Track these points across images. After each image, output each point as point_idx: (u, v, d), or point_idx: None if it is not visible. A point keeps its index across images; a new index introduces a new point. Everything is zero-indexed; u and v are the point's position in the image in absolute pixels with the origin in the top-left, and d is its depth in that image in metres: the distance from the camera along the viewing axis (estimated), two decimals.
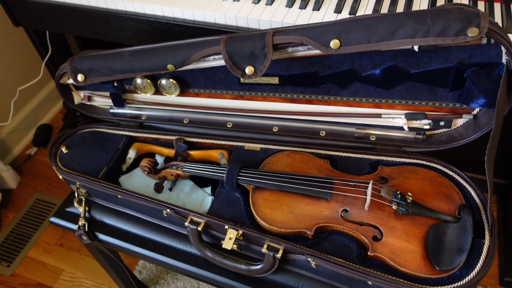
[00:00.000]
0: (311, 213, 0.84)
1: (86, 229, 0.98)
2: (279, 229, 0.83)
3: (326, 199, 0.85)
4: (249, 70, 0.82)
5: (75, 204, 1.00)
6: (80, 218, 0.99)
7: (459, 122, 0.91)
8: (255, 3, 1.05)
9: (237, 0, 1.06)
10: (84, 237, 0.99)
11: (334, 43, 0.75)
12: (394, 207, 0.81)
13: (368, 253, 0.79)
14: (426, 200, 0.84)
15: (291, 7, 1.03)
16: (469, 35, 0.68)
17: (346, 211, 0.83)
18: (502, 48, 0.75)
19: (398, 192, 0.83)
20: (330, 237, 0.82)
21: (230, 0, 1.07)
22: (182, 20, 1.08)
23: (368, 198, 0.82)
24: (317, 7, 1.02)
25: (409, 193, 0.83)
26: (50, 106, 2.14)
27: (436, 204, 0.83)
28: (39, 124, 2.06)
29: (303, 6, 1.03)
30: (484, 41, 0.75)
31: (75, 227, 1.00)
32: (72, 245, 1.65)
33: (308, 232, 0.82)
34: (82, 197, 1.01)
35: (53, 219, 1.04)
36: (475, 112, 0.89)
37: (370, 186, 0.83)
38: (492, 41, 0.74)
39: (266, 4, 1.04)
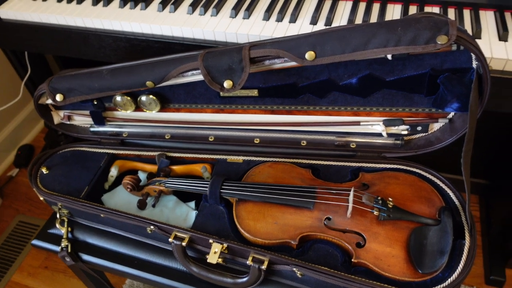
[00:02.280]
0: (295, 223, 0.85)
1: (69, 250, 0.97)
2: (264, 241, 0.84)
3: (309, 208, 0.85)
4: (227, 84, 0.83)
5: (57, 225, 0.99)
6: (63, 239, 0.98)
7: (436, 126, 0.93)
8: (233, 17, 1.06)
9: (215, 15, 1.08)
10: (68, 259, 0.97)
11: (309, 55, 0.77)
12: (375, 213, 0.82)
13: (353, 260, 0.79)
14: (407, 205, 0.85)
15: (268, 20, 1.05)
16: (439, 42, 0.70)
17: (329, 219, 0.84)
18: (472, 53, 0.78)
19: (379, 197, 0.84)
20: (314, 246, 0.83)
21: (208, 15, 1.08)
22: (161, 37, 1.08)
23: (350, 205, 0.83)
24: (293, 20, 1.04)
25: (390, 199, 0.84)
26: (31, 126, 2.11)
27: (417, 208, 0.85)
28: (21, 145, 2.03)
29: (280, 19, 1.04)
30: (454, 47, 0.77)
31: (58, 248, 0.98)
32: (57, 267, 1.62)
33: (292, 242, 0.82)
34: (65, 218, 0.99)
35: (35, 242, 1.02)
36: (450, 116, 0.91)
37: (351, 193, 0.84)
38: (462, 47, 0.77)
39: (243, 18, 1.06)
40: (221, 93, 0.96)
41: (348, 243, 0.81)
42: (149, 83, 0.87)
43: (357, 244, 0.81)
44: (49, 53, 1.32)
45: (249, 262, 0.80)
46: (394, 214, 0.82)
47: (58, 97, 0.95)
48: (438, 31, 0.71)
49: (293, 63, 0.83)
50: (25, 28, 1.19)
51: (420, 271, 0.75)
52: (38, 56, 1.61)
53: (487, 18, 0.98)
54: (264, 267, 0.79)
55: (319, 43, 0.76)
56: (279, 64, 0.83)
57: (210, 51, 0.83)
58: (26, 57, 1.55)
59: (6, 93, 1.86)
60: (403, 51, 0.72)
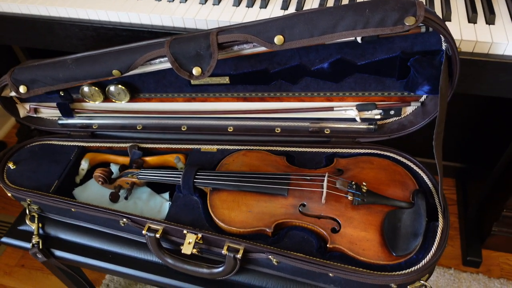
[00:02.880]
0: (270, 210, 0.84)
1: (41, 247, 0.94)
2: (239, 229, 0.83)
3: (283, 195, 0.85)
4: (196, 71, 0.81)
5: (27, 221, 0.96)
6: (34, 236, 0.95)
7: (408, 110, 0.93)
8: (202, 4, 1.04)
9: (184, 1, 1.05)
10: (39, 255, 0.95)
11: (278, 39, 0.75)
12: (350, 198, 0.82)
13: (328, 246, 0.79)
14: (381, 189, 0.85)
15: (238, 6, 1.02)
16: (407, 24, 0.70)
17: (304, 205, 0.84)
18: (440, 35, 0.77)
19: (353, 182, 0.84)
20: (289, 233, 0.82)
21: (177, 2, 1.05)
22: (129, 24, 1.05)
23: (324, 191, 0.82)
24: (264, 5, 1.02)
25: (364, 183, 0.84)
26: (3, 121, 2.05)
27: (391, 192, 0.85)
28: None
29: (250, 4, 1.02)
30: (423, 29, 0.77)
31: (29, 245, 0.95)
32: (34, 264, 1.58)
33: (267, 230, 0.82)
34: (35, 214, 0.96)
35: (5, 240, 0.99)
36: (422, 99, 0.91)
37: (325, 179, 0.83)
38: (431, 29, 0.76)
39: (213, 4, 1.03)
40: (191, 81, 0.93)
41: (323, 228, 0.81)
42: (115, 72, 0.84)
43: (332, 229, 0.81)
44: (14, 43, 1.27)
45: (224, 251, 0.79)
46: (368, 198, 0.82)
47: (22, 89, 0.91)
48: (406, 12, 0.70)
49: (262, 48, 0.81)
50: None
51: (394, 254, 0.76)
52: (5, 49, 1.55)
53: (457, 1, 0.98)
54: (239, 256, 0.78)
55: (287, 27, 0.74)
56: (248, 49, 0.81)
57: (177, 38, 0.81)
58: None
59: None
60: (372, 33, 0.71)
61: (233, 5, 1.02)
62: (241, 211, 0.84)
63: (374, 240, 0.79)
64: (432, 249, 0.76)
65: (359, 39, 0.77)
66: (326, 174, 0.84)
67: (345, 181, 0.84)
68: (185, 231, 0.83)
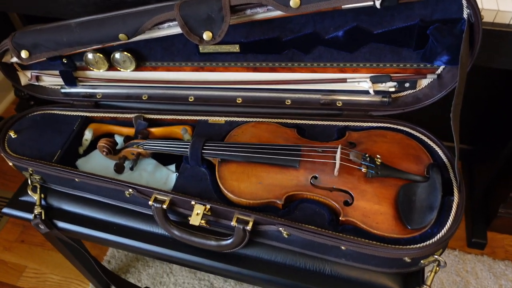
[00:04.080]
0: (280, 182, 0.81)
1: (43, 217, 0.92)
2: (248, 201, 0.80)
3: (295, 167, 0.82)
4: (207, 35, 0.77)
5: (29, 192, 0.93)
6: (36, 206, 0.93)
7: (424, 82, 0.90)
8: None
9: None
10: (42, 226, 0.92)
11: (294, 2, 0.72)
12: (363, 170, 0.80)
13: (340, 218, 0.77)
14: (395, 162, 0.83)
15: None
16: None
17: (315, 177, 0.81)
18: (463, 0, 0.74)
19: (367, 155, 0.81)
20: (300, 206, 0.80)
21: None
22: None
23: (337, 162, 0.80)
24: None
25: (378, 156, 0.81)
26: (1, 96, 2.01)
27: (405, 165, 0.82)
28: None
29: None
30: None
31: (31, 216, 0.93)
32: (34, 240, 1.56)
33: (278, 202, 0.80)
34: (37, 184, 0.94)
35: (5, 210, 0.97)
36: (439, 71, 0.88)
37: (338, 150, 0.81)
38: None
39: None
40: (200, 48, 0.90)
41: (336, 201, 0.79)
42: (122, 36, 0.81)
43: (345, 202, 0.78)
44: (12, 10, 1.23)
45: (233, 223, 0.77)
46: (382, 171, 0.79)
47: (23, 54, 0.88)
48: None
49: (276, 13, 0.78)
50: None
51: (409, 227, 0.74)
52: (3, 17, 1.50)
53: None
54: (249, 227, 0.76)
55: None
56: (261, 13, 0.78)
57: (187, 0, 0.77)
58: None
59: None
60: None
61: None
62: (251, 183, 0.82)
63: (388, 213, 0.77)
64: (448, 223, 0.75)
65: (378, 4, 0.74)
66: (339, 146, 0.82)
67: (359, 153, 0.81)
68: (193, 202, 0.80)
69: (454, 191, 0.78)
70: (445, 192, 0.78)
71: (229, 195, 0.81)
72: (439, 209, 0.75)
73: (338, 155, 0.80)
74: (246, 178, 0.83)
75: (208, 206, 0.79)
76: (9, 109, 2.01)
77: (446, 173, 0.82)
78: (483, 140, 1.55)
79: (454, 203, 0.76)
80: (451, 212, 0.75)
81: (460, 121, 0.77)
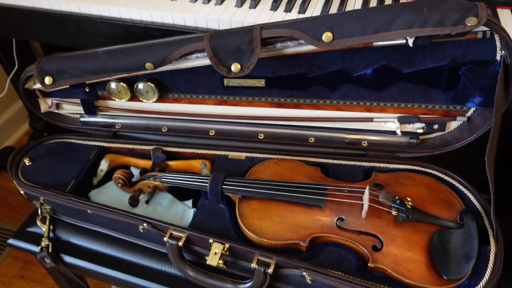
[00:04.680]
0: (305, 222, 0.77)
1: (50, 250, 0.87)
2: (270, 241, 0.75)
3: (320, 207, 0.78)
4: (235, 67, 0.76)
5: (38, 222, 0.89)
6: (44, 239, 0.88)
7: (453, 125, 0.87)
8: (238, 7, 1.01)
9: (219, 4, 1.02)
10: (47, 260, 0.87)
11: (326, 36, 0.71)
12: (394, 213, 0.75)
13: (369, 265, 0.72)
14: (425, 207, 0.78)
15: (276, 10, 0.99)
16: (468, 24, 0.65)
17: (342, 219, 0.77)
18: (497, 42, 0.73)
19: (397, 197, 0.77)
20: (325, 249, 0.75)
21: (212, 4, 1.02)
22: (161, 24, 1.02)
23: (366, 203, 0.75)
24: (302, 10, 0.98)
25: (408, 198, 0.77)
26: (16, 127, 2.01)
27: (436, 211, 0.78)
28: (3, 147, 1.92)
29: (288, 9, 0.99)
30: (480, 35, 0.72)
31: (37, 249, 0.88)
32: (34, 276, 1.49)
33: (301, 244, 0.74)
34: (47, 215, 0.90)
35: (12, 241, 0.92)
36: (469, 114, 0.85)
37: (367, 191, 0.77)
38: (488, 35, 0.72)
39: (250, 8, 1.00)
40: (225, 82, 0.89)
41: (363, 246, 0.73)
42: (148, 65, 0.80)
43: (373, 247, 0.73)
44: (39, 40, 1.25)
45: (253, 265, 0.72)
46: (413, 215, 0.75)
47: (47, 80, 0.87)
48: (467, 13, 0.66)
49: (306, 48, 0.77)
50: (14, 12, 1.12)
51: (445, 278, 0.68)
52: (26, 50, 1.53)
53: (504, 15, 0.94)
54: (270, 270, 0.71)
55: (337, 23, 0.70)
56: (291, 47, 0.77)
57: (217, 32, 0.77)
58: (14, 51, 1.47)
59: None
60: (430, 33, 0.67)
61: (270, 9, 0.99)
62: (274, 222, 0.77)
63: (420, 261, 0.71)
64: (486, 275, 0.69)
65: (410, 42, 0.73)
66: (368, 186, 0.78)
67: (389, 195, 0.77)
68: (211, 240, 0.75)
69: (491, 240, 0.73)
70: (479, 241, 0.73)
71: (250, 234, 0.77)
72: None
73: (366, 196, 0.76)
74: (268, 217, 0.78)
75: (227, 245, 0.74)
76: (22, 140, 2.01)
77: (480, 220, 0.77)
78: (506, 190, 1.50)
79: (491, 253, 0.71)
80: (488, 262, 0.70)
81: (480, 169, 0.74)
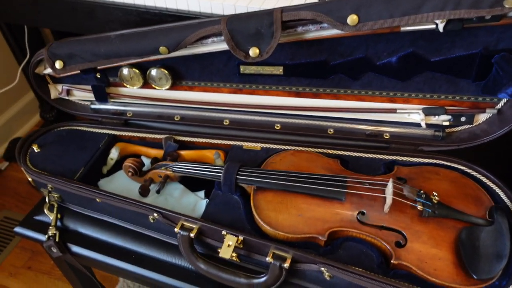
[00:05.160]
0: (323, 216, 0.73)
1: (57, 240, 0.84)
2: (286, 235, 0.71)
3: (340, 199, 0.74)
4: (253, 51, 0.73)
5: (46, 210, 0.87)
6: (51, 227, 0.85)
7: (482, 117, 0.83)
8: None
9: None
10: (54, 249, 0.84)
11: (351, 19, 0.67)
12: (419, 207, 0.71)
13: (392, 261, 0.67)
14: (452, 202, 0.74)
15: None
16: (507, 6, 0.61)
17: (363, 213, 0.73)
18: None
19: (422, 191, 0.72)
20: (345, 244, 0.71)
21: None
22: (176, 11, 0.99)
23: (389, 197, 0.71)
24: None
25: (435, 193, 0.73)
26: (26, 118, 2.00)
27: (463, 206, 0.73)
28: (13, 138, 1.91)
29: None
30: None
31: (44, 237, 0.85)
32: (42, 267, 1.47)
33: (320, 238, 0.71)
34: (54, 203, 0.87)
35: (18, 230, 0.90)
36: (499, 106, 0.81)
37: (390, 184, 0.73)
38: None
39: None
40: (241, 69, 0.85)
41: (386, 241, 0.69)
42: (162, 49, 0.76)
43: (397, 243, 0.69)
44: (50, 27, 1.22)
45: (268, 259, 0.68)
46: (439, 210, 0.70)
47: (58, 64, 0.84)
48: None
49: (329, 33, 0.73)
50: None
51: (475, 277, 0.63)
52: (38, 40, 1.51)
53: None
54: (286, 265, 0.67)
55: (363, 5, 0.66)
56: (313, 32, 0.73)
57: (235, 15, 0.73)
58: (25, 39, 1.45)
59: (1, 78, 1.73)
60: (464, 15, 0.63)
61: None
62: (290, 214, 0.74)
63: (447, 259, 0.67)
64: None
65: (441, 27, 0.68)
66: (391, 179, 0.73)
67: (414, 189, 0.73)
68: (224, 232, 0.72)
69: None
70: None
71: (265, 226, 0.73)
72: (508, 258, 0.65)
73: (390, 189, 0.72)
74: (285, 209, 0.74)
75: (241, 238, 0.71)
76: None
77: (510, 217, 0.73)
78: None
79: None
80: None
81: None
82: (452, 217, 0.71)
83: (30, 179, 0.87)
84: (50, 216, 0.86)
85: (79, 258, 0.86)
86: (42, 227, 0.88)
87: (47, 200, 0.87)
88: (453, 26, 0.68)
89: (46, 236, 0.85)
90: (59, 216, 0.87)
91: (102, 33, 1.02)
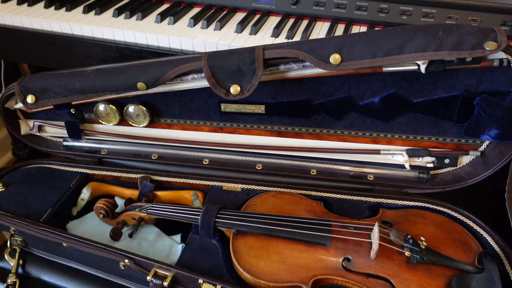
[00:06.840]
0: (307, 262, 0.68)
1: None
2: (268, 283, 0.66)
3: (325, 245, 0.70)
4: (234, 89, 0.71)
5: (6, 256, 0.79)
6: (10, 275, 0.78)
7: (466, 159, 0.82)
8: (238, 33, 0.97)
9: (219, 29, 0.98)
10: None
11: (334, 58, 0.66)
12: (407, 253, 0.67)
13: None
14: (440, 247, 0.71)
15: (277, 37, 0.95)
16: (487, 48, 0.61)
17: (348, 260, 0.69)
18: None
19: (409, 236, 0.69)
20: None
21: (211, 29, 0.98)
22: (157, 48, 0.97)
23: (375, 242, 0.68)
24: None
25: (422, 238, 0.70)
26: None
27: (452, 252, 0.70)
28: None
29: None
30: (496, 63, 0.68)
31: (2, 286, 0.78)
32: None
33: (303, 287, 0.66)
34: (17, 247, 0.80)
35: None
36: (482, 148, 0.80)
37: (376, 228, 0.69)
38: (505, 63, 0.68)
39: (250, 34, 0.96)
40: (222, 107, 0.83)
41: None
42: (140, 85, 0.74)
43: None
44: (28, 62, 1.19)
45: None
46: (428, 257, 0.67)
47: (29, 99, 0.80)
48: (485, 37, 0.62)
49: (311, 71, 0.72)
50: (3, 32, 1.07)
51: None
52: (14, 74, 1.47)
53: None
54: None
55: (346, 45, 0.66)
56: (295, 70, 0.72)
57: (216, 52, 0.72)
58: (1, 73, 1.41)
59: None
60: (446, 57, 0.62)
61: (271, 36, 0.95)
62: (272, 261, 0.69)
63: None
64: None
65: (422, 68, 0.68)
66: (377, 223, 0.70)
67: (401, 234, 0.69)
68: (200, 280, 0.66)
69: None
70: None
71: (245, 274, 0.68)
72: None
73: (376, 234, 0.69)
74: (266, 255, 0.70)
75: (219, 287, 0.65)
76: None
77: (500, 264, 0.70)
78: None
79: None
80: None
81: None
82: (441, 264, 0.67)
83: None
84: (11, 262, 0.79)
85: None
86: (1, 274, 0.80)
87: (8, 244, 0.80)
88: (435, 68, 0.68)
89: (5, 285, 0.77)
90: (21, 262, 0.80)
91: (82, 67, 1.00)
